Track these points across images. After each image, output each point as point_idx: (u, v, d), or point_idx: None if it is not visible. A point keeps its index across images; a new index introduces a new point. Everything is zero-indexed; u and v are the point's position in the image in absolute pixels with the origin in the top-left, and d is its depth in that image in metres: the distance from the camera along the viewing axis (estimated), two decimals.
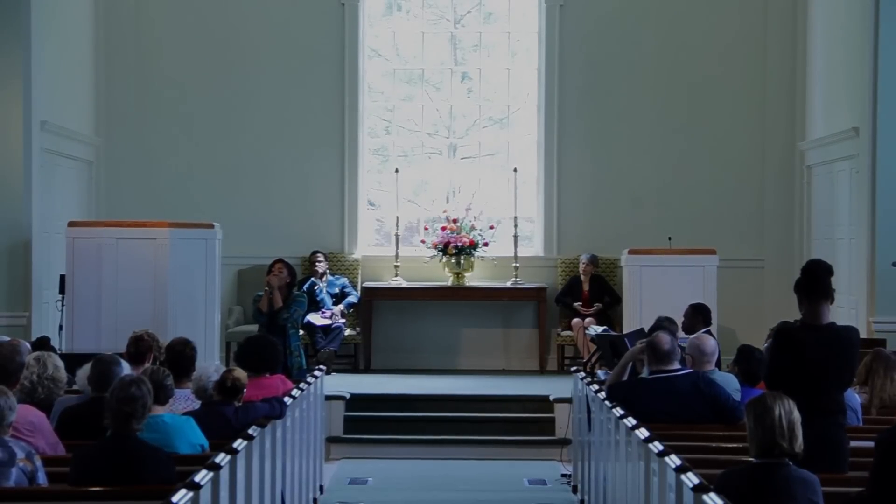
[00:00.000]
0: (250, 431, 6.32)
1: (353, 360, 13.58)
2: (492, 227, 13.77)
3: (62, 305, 10.92)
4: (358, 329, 13.42)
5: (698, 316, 9.56)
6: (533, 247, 14.08)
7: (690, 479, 5.03)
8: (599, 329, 10.90)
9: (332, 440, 11.00)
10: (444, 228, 13.54)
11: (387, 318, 13.69)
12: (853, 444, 6.06)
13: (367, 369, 13.42)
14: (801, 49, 13.59)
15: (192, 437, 6.25)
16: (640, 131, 13.92)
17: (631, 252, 12.02)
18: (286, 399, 7.44)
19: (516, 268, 13.49)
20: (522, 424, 11.36)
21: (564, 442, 10.78)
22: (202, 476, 5.10)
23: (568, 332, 13.27)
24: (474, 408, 11.59)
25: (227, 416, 6.76)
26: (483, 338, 13.79)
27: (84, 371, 6.76)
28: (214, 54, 13.94)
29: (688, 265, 11.78)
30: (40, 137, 11.68)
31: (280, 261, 11.10)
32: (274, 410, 7.04)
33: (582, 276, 13.44)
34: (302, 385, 8.39)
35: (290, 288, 10.97)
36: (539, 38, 14.09)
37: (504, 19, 14.46)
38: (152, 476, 5.36)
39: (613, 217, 13.81)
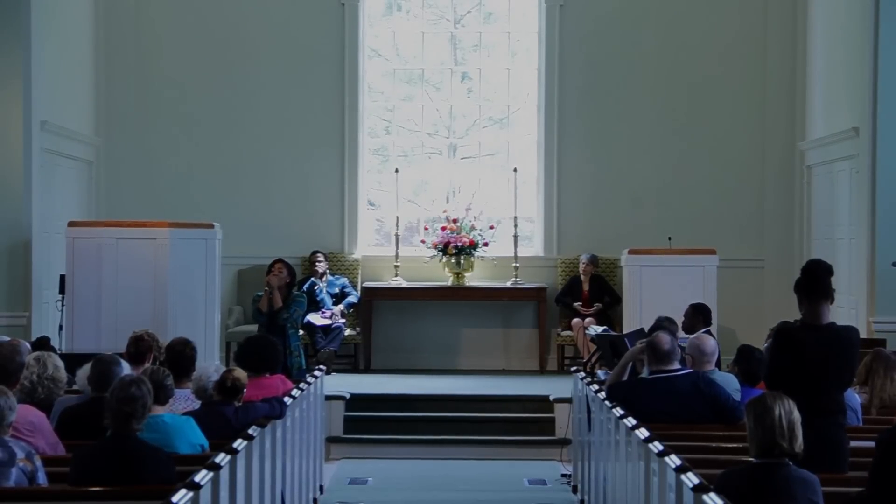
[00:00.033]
0: (250, 431, 6.32)
1: (353, 360, 13.58)
2: (492, 227, 13.77)
3: (62, 305, 10.92)
4: (358, 329, 13.42)
5: (698, 316, 9.57)
6: (533, 247, 14.08)
7: (690, 479, 5.03)
8: (599, 329, 10.90)
9: (332, 440, 11.00)
10: (444, 228, 13.54)
11: (387, 318, 13.69)
12: (853, 444, 6.06)
13: (367, 369, 13.42)
14: (801, 49, 13.59)
15: (192, 437, 6.25)
16: (640, 131, 13.92)
17: (631, 252, 12.02)
18: (286, 399, 7.44)
19: (516, 268, 13.49)
20: (522, 424, 11.36)
21: (564, 442, 10.78)
22: (202, 476, 5.10)
23: (568, 332, 13.27)
24: (474, 408, 11.59)
25: (227, 416, 6.76)
26: (483, 338, 13.79)
27: (84, 371, 6.76)
28: (214, 54, 13.94)
29: (688, 265, 11.78)
30: (40, 137, 11.68)
31: (280, 261, 11.11)
32: (274, 410, 7.04)
33: (582, 276, 13.44)
34: (302, 385, 8.39)
35: (290, 288, 10.98)
36: (539, 38, 14.09)
37: (504, 19, 14.46)
38: (152, 476, 5.36)
39: (613, 217, 13.81)
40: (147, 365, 7.26)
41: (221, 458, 5.51)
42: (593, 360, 10.57)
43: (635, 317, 11.28)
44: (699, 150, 13.88)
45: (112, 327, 9.85)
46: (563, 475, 10.07)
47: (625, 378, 7.75)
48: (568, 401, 10.67)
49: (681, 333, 8.95)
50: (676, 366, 7.34)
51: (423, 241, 13.80)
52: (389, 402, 11.62)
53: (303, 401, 8.34)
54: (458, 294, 13.55)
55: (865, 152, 11.49)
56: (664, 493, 5.71)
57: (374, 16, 14.38)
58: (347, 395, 11.39)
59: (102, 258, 10.27)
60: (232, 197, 13.78)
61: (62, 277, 10.92)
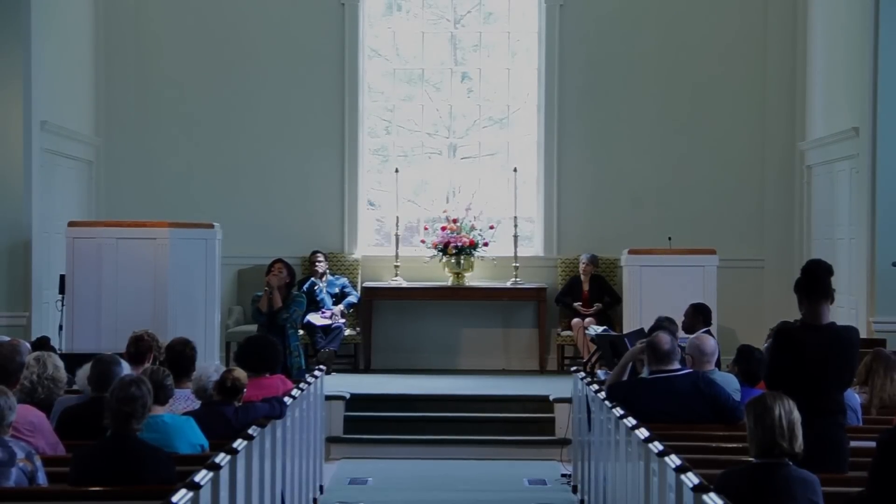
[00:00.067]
0: (250, 431, 6.32)
1: (353, 360, 13.58)
2: (492, 227, 13.77)
3: (62, 305, 10.92)
4: (358, 329, 13.42)
5: (699, 316, 9.57)
6: (533, 247, 14.08)
7: (690, 479, 5.03)
8: (599, 329, 10.90)
9: (332, 440, 11.00)
10: (444, 228, 13.54)
11: (387, 318, 13.69)
12: (853, 444, 6.06)
13: (367, 369, 13.42)
14: (801, 49, 13.59)
15: (192, 437, 6.25)
16: (640, 131, 13.92)
17: (631, 252, 12.01)
18: (286, 399, 7.44)
19: (516, 268, 13.49)
20: (522, 424, 11.36)
21: (564, 442, 10.78)
22: (202, 476, 5.10)
23: (568, 332, 13.27)
24: (474, 408, 11.59)
25: (227, 416, 6.76)
26: (483, 338, 13.79)
27: (84, 371, 6.76)
28: (214, 54, 13.94)
29: (688, 265, 11.78)
30: (40, 137, 11.68)
31: (279, 261, 11.11)
32: (274, 410, 7.04)
33: (582, 276, 13.44)
34: (302, 385, 8.39)
35: (290, 288, 10.98)
36: (539, 38, 14.09)
37: (504, 19, 14.46)
38: (152, 476, 5.36)
39: (613, 217, 13.81)
40: (147, 365, 7.26)
41: (221, 458, 5.51)
42: (593, 360, 10.57)
43: (635, 317, 11.28)
44: (699, 150, 13.88)
45: (112, 327, 9.85)
46: (563, 475, 10.07)
47: (625, 378, 7.75)
48: (568, 401, 10.67)
49: (681, 333, 8.95)
50: (676, 366, 7.34)
51: (423, 241, 13.80)
52: (389, 402, 11.62)
53: (303, 401, 8.34)
54: (458, 294, 13.55)
55: (865, 152, 11.49)
56: (664, 493, 5.71)
57: (374, 16, 14.38)
58: (347, 395, 11.39)
59: (102, 258, 10.27)
60: (232, 197, 13.78)
61: (62, 277, 10.92)
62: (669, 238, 12.36)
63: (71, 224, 10.67)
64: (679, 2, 13.92)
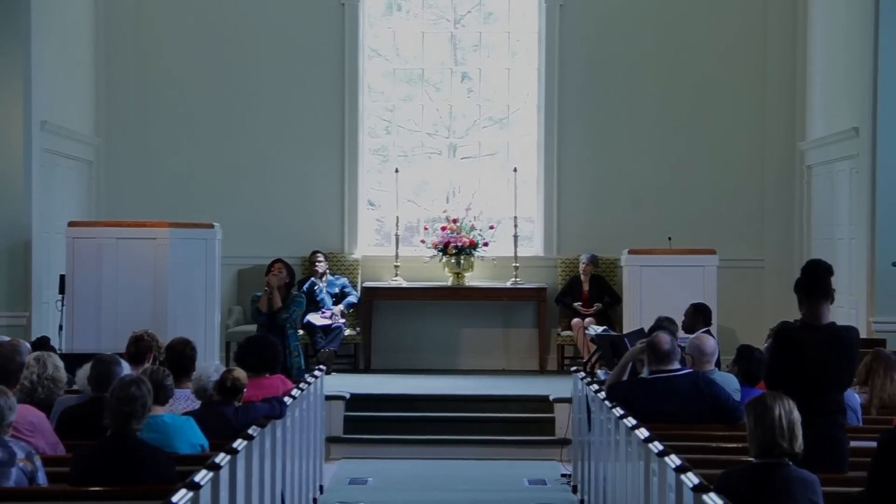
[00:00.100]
0: (250, 431, 6.31)
1: (353, 360, 13.58)
2: (492, 227, 13.77)
3: (62, 305, 10.92)
4: (358, 329, 13.42)
5: (699, 315, 9.57)
6: (533, 247, 14.08)
7: (690, 479, 5.03)
8: (599, 329, 10.90)
9: (332, 440, 11.00)
10: (444, 228, 13.54)
11: (387, 318, 13.69)
12: (853, 444, 6.06)
13: (367, 369, 13.42)
14: (801, 49, 13.59)
15: (192, 437, 6.25)
16: (640, 131, 13.92)
17: (631, 252, 12.02)
18: (286, 399, 7.44)
19: (516, 268, 13.49)
20: (522, 424, 11.36)
21: (564, 442, 10.78)
22: (202, 476, 5.10)
23: (568, 332, 13.27)
24: (474, 408, 11.59)
25: (227, 416, 6.76)
26: (483, 338, 13.79)
27: (84, 371, 6.76)
28: (214, 54, 13.94)
29: (688, 265, 11.78)
30: (40, 137, 11.68)
31: (279, 261, 11.11)
32: (274, 410, 7.04)
33: (582, 276, 13.44)
34: (302, 385, 8.38)
35: (289, 288, 10.99)
36: (539, 38, 14.09)
37: (504, 19, 14.46)
38: (152, 476, 5.36)
39: (613, 217, 13.81)
40: (147, 365, 7.26)
41: (221, 458, 5.51)
42: (593, 360, 10.57)
43: (635, 317, 11.28)
44: (699, 150, 13.88)
45: (112, 327, 9.85)
46: (563, 475, 10.07)
47: (625, 378, 7.75)
48: (568, 401, 10.67)
49: (681, 333, 8.95)
50: (676, 366, 7.34)
51: (423, 241, 13.80)
52: (389, 402, 11.62)
53: (303, 401, 8.34)
54: (458, 294, 13.55)
55: (865, 152, 11.49)
56: (664, 493, 5.71)
57: (374, 16, 14.38)
58: (347, 395, 11.39)
59: (102, 258, 10.27)
60: (232, 197, 13.78)
61: (62, 277, 10.92)
62: (669, 238, 12.36)
63: (71, 224, 10.67)
64: (679, 2, 13.92)
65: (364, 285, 13.63)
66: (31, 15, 11.45)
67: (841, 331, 6.13)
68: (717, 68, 13.86)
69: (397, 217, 13.59)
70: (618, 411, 7.01)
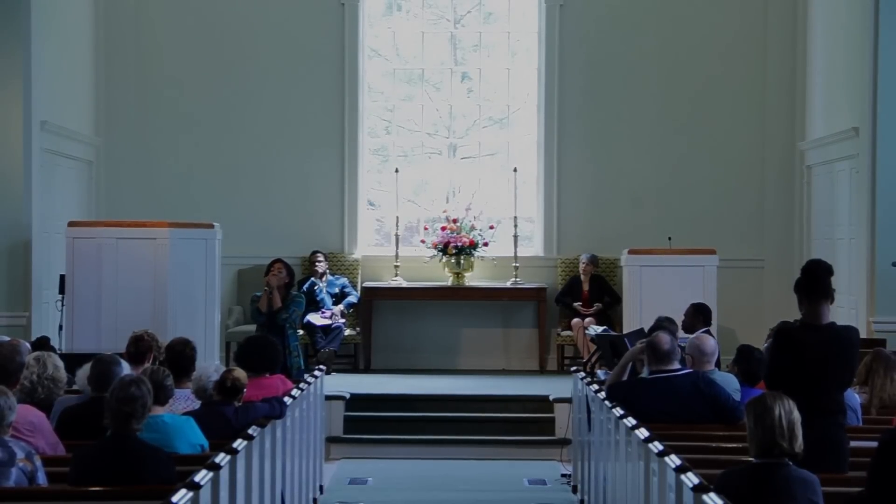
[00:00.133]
0: (250, 431, 6.32)
1: (353, 360, 13.58)
2: (492, 227, 13.77)
3: (62, 305, 10.92)
4: (358, 329, 13.42)
5: (699, 316, 9.57)
6: (533, 247, 14.08)
7: (690, 479, 5.03)
8: (599, 329, 10.90)
9: (332, 440, 11.00)
10: (444, 228, 13.54)
11: (387, 318, 13.69)
12: (853, 444, 6.06)
13: (367, 369, 13.42)
14: (801, 49, 13.59)
15: (192, 437, 6.25)
16: (640, 131, 13.92)
17: (631, 252, 12.02)
18: (286, 399, 7.44)
19: (516, 268, 13.49)
20: (522, 424, 11.36)
21: (564, 442, 10.78)
22: (202, 476, 5.10)
23: (568, 332, 13.27)
24: (474, 408, 11.59)
25: (227, 416, 6.75)
26: (483, 338, 13.79)
27: (84, 371, 6.76)
28: (214, 54, 13.94)
29: (688, 265, 11.78)
30: (40, 137, 11.68)
31: (279, 261, 11.12)
32: (274, 410, 7.04)
33: (582, 276, 13.44)
34: (302, 385, 8.38)
35: (289, 288, 10.99)
36: (539, 38, 14.09)
37: (504, 19, 14.46)
38: (152, 476, 5.36)
39: (613, 217, 13.81)
40: (147, 365, 7.26)
41: (221, 458, 5.51)
42: (593, 360, 10.56)
43: (635, 317, 11.29)
44: (699, 150, 13.88)
45: (112, 327, 9.85)
46: (563, 475, 10.07)
47: (625, 378, 7.75)
48: (568, 401, 10.67)
49: (681, 333, 8.95)
50: (676, 366, 7.34)
51: (423, 241, 13.80)
52: (389, 402, 11.62)
53: (303, 401, 8.34)
54: (458, 294, 13.55)
55: (865, 152, 11.49)
56: (664, 493, 5.71)
57: (374, 16, 14.38)
58: (347, 395, 11.39)
59: (102, 258, 10.27)
60: (232, 197, 13.78)
61: (62, 277, 10.92)
62: (669, 238, 12.36)
63: (71, 224, 10.67)
64: (679, 2, 13.92)
65: (364, 285, 13.63)
66: (31, 15, 11.45)
67: (841, 331, 6.13)
68: (717, 68, 13.86)
69: (397, 217, 13.59)
70: (618, 411, 7.01)
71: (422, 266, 13.58)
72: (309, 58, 13.96)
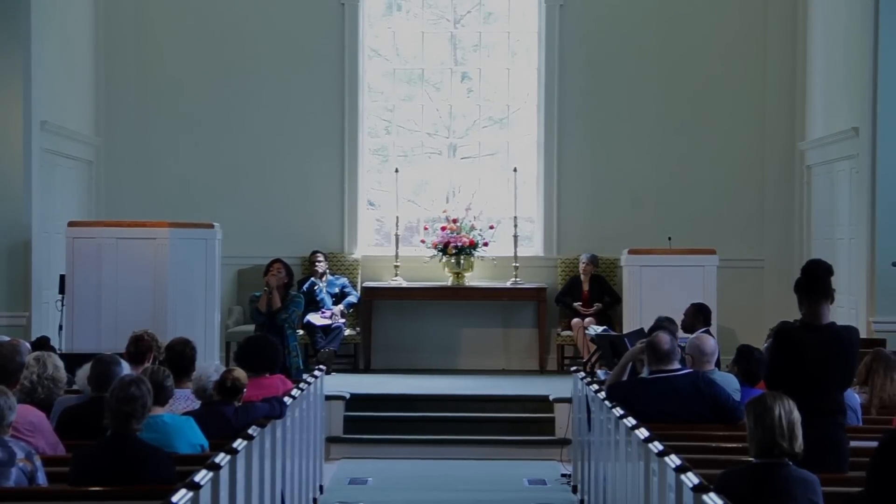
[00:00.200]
0: (250, 431, 6.32)
1: (353, 360, 13.58)
2: (492, 227, 13.77)
3: (62, 305, 10.92)
4: (358, 329, 13.42)
5: (699, 315, 9.57)
6: (533, 247, 14.08)
7: (690, 479, 5.03)
8: (599, 329, 10.90)
9: (332, 440, 11.00)
10: (443, 228, 13.54)
11: (387, 318, 13.69)
12: (853, 444, 6.06)
13: (367, 369, 13.42)
14: (801, 49, 13.60)
15: (192, 437, 6.25)
16: (640, 131, 13.92)
17: (631, 252, 12.02)
18: (286, 399, 7.45)
19: (516, 268, 13.49)
20: (522, 424, 11.36)
21: (564, 442, 10.78)
22: (202, 476, 5.10)
23: (568, 332, 13.27)
24: (474, 408, 11.59)
25: (227, 416, 6.76)
26: (483, 338, 13.79)
27: (84, 371, 6.76)
28: (214, 54, 13.94)
29: (688, 265, 11.79)
30: (40, 137, 11.68)
31: (278, 261, 11.12)
32: (274, 410, 7.04)
33: (582, 276, 13.44)
34: (302, 385, 8.39)
35: (288, 288, 10.99)
36: (539, 38, 14.09)
37: (504, 19, 14.46)
38: (152, 476, 5.36)
39: (613, 217, 13.81)
40: (147, 365, 7.26)
41: (221, 458, 5.51)
42: (593, 360, 10.57)
43: (635, 317, 11.29)
44: (699, 150, 13.88)
45: (112, 327, 9.85)
46: (563, 475, 10.07)
47: (625, 378, 7.75)
48: (568, 401, 10.67)
49: (681, 333, 8.96)
50: (676, 366, 7.34)
51: (423, 241, 13.80)
52: (389, 402, 11.62)
53: (303, 401, 8.34)
54: (458, 294, 13.55)
55: (865, 152, 11.49)
56: (664, 493, 5.71)
57: (374, 16, 14.38)
58: (347, 395, 11.39)
59: (102, 258, 10.27)
60: (232, 197, 13.78)
61: (62, 277, 10.92)
62: (669, 238, 12.36)
63: (71, 224, 10.68)
64: (679, 2, 13.92)
65: (364, 285, 13.63)
66: (31, 15, 11.45)
67: (841, 331, 6.13)
68: (717, 68, 13.86)
69: (397, 217, 13.59)
70: (618, 411, 7.01)
71: (422, 266, 13.58)
72: (309, 58, 13.96)
